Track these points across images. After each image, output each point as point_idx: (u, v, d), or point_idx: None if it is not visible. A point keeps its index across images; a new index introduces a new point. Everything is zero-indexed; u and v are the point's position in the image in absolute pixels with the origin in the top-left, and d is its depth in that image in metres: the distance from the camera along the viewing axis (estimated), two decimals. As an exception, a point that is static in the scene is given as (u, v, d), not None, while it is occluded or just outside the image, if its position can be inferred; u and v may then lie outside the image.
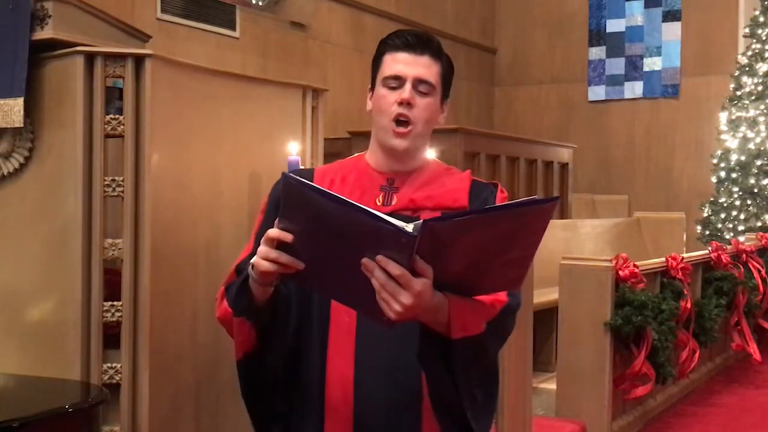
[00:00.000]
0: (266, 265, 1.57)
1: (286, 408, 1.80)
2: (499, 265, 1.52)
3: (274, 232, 1.55)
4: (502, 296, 1.69)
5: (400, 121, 1.77)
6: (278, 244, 1.54)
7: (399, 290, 1.46)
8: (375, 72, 1.83)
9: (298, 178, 1.51)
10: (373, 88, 1.83)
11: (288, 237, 1.53)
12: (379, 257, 1.45)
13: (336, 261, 1.52)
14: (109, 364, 2.64)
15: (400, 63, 1.78)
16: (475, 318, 1.61)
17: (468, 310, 1.59)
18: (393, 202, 1.81)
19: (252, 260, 1.63)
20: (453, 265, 1.50)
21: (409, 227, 1.43)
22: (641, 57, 11.08)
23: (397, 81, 1.77)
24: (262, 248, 1.57)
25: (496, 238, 1.47)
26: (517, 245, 1.50)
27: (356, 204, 1.46)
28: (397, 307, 1.47)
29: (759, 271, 6.53)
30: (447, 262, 1.49)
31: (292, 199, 1.53)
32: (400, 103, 1.76)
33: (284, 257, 1.54)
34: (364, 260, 1.46)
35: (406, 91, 1.76)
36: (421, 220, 1.43)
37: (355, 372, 1.72)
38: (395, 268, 1.45)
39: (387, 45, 1.81)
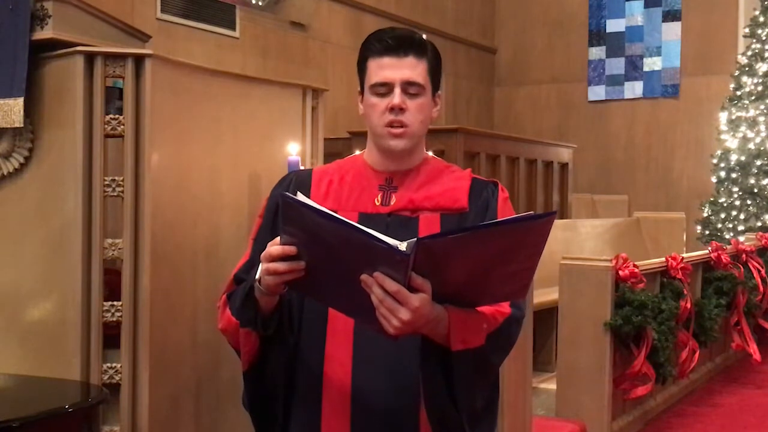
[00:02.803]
0: (273, 279, 1.57)
1: (286, 408, 1.79)
2: (499, 278, 1.52)
3: (276, 248, 1.55)
4: (505, 307, 1.68)
5: (395, 125, 1.75)
6: (284, 258, 1.56)
7: (397, 306, 1.47)
8: (361, 76, 1.81)
9: (293, 197, 1.52)
10: (362, 92, 1.81)
11: (292, 250, 1.54)
12: (377, 274, 1.46)
13: (337, 275, 1.53)
14: (109, 364, 2.64)
15: (386, 69, 1.74)
16: (475, 330, 1.60)
17: (468, 323, 1.58)
18: (392, 202, 1.79)
19: (258, 275, 1.63)
20: (452, 278, 1.51)
21: (403, 245, 1.44)
22: (641, 57, 11.08)
23: (386, 87, 1.75)
24: (269, 265, 1.57)
25: (494, 253, 1.47)
26: (516, 259, 1.50)
27: (350, 222, 1.48)
28: (396, 323, 1.48)
29: (759, 271, 6.53)
30: (445, 276, 1.49)
31: (290, 216, 1.54)
32: (392, 109, 1.74)
33: (293, 264, 1.55)
34: (363, 276, 1.47)
35: (396, 97, 1.73)
36: (415, 239, 1.43)
37: (352, 371, 1.72)
38: (391, 285, 1.45)
39: (369, 50, 1.78)
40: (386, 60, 1.75)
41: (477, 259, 1.47)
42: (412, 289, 1.47)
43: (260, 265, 1.63)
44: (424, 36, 1.81)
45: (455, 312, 1.56)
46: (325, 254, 1.52)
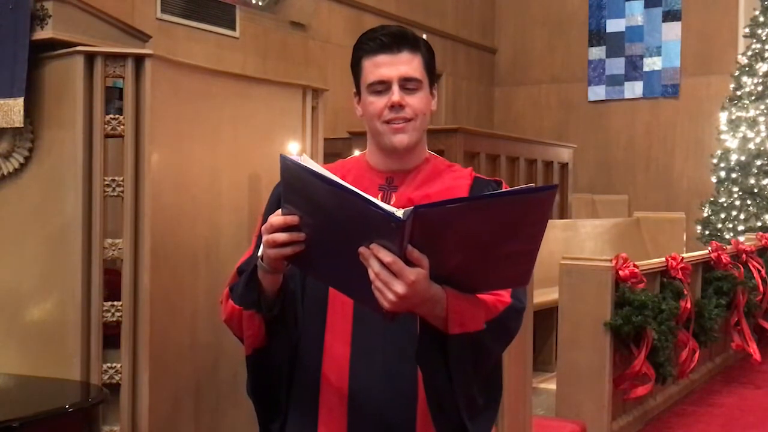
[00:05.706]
0: (274, 252, 1.56)
1: (287, 401, 1.79)
2: (500, 259, 1.49)
3: (278, 219, 1.55)
4: (506, 297, 1.66)
5: (396, 122, 1.74)
6: (284, 229, 1.55)
7: (392, 279, 1.43)
8: (357, 78, 1.79)
9: (292, 158, 1.50)
10: (358, 94, 1.80)
11: (294, 220, 1.53)
12: (373, 245, 1.43)
13: (336, 248, 1.51)
14: (109, 364, 2.64)
15: (381, 66, 1.74)
16: (474, 314, 1.58)
17: (467, 306, 1.56)
18: (391, 202, 1.78)
19: (260, 252, 1.62)
20: (450, 256, 1.47)
21: (399, 213, 1.40)
22: (641, 57, 11.09)
23: (383, 85, 1.74)
24: (270, 236, 1.56)
25: (493, 228, 1.43)
26: (517, 236, 1.46)
27: (347, 186, 1.44)
28: (391, 296, 1.44)
29: (759, 271, 6.54)
30: (443, 252, 1.46)
31: (290, 181, 1.52)
32: (392, 107, 1.73)
33: (294, 235, 1.54)
34: (361, 249, 1.44)
35: (395, 94, 1.73)
36: (412, 207, 1.40)
37: (350, 365, 1.72)
38: (386, 256, 1.42)
39: (362, 50, 1.77)
40: (381, 58, 1.74)
41: (476, 235, 1.43)
42: (410, 263, 1.44)
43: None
44: (424, 36, 1.81)
45: (454, 294, 1.54)
46: (325, 223, 1.49)
